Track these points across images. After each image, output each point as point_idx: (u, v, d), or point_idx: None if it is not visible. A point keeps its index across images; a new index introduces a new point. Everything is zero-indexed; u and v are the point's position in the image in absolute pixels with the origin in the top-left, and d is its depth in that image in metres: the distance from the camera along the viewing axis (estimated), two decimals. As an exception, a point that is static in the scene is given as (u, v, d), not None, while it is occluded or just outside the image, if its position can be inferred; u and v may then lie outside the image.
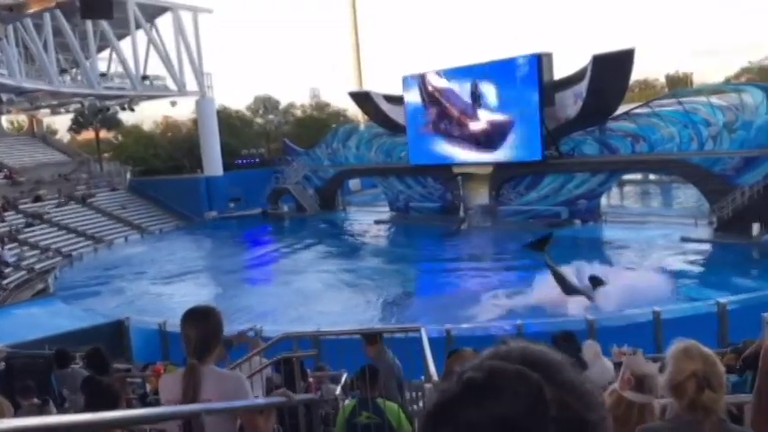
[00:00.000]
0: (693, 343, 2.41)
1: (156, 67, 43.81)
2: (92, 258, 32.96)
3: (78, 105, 44.43)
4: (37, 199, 37.79)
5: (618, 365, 4.86)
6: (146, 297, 24.22)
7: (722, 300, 13.91)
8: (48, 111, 49.05)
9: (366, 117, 44.23)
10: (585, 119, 29.47)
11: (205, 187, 45.02)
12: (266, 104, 64.12)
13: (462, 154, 34.24)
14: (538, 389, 0.70)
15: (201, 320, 2.73)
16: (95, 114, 47.93)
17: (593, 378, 3.33)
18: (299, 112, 65.74)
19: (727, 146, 26.16)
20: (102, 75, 40.65)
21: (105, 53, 43.08)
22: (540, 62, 30.34)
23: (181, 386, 2.65)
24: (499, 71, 31.93)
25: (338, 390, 6.83)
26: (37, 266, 29.83)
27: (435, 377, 4.73)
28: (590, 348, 6.72)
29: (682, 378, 2.29)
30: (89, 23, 36.49)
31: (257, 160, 50.58)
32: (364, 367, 5.36)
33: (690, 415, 2.28)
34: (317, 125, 57.30)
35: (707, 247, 24.92)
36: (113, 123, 58.25)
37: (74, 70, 41.77)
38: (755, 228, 23.76)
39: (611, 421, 0.77)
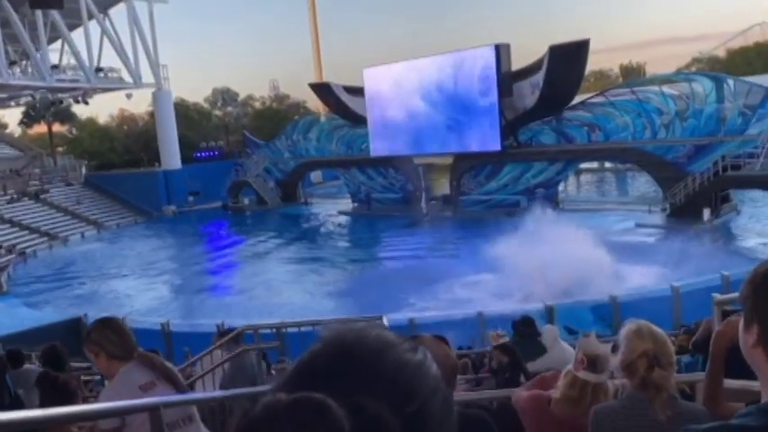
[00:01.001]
0: (645, 323, 2.49)
1: (110, 59, 42.76)
2: (47, 255, 32.09)
3: (29, 98, 43.07)
4: (-13, 196, 36.57)
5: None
6: (104, 294, 23.73)
7: (675, 283, 14.36)
8: (-4, 104, 47.40)
9: (327, 109, 44.01)
10: (543, 109, 29.93)
11: (163, 181, 44.19)
12: (225, 96, 63.26)
13: (423, 145, 34.38)
14: (318, 416, 0.57)
15: (123, 327, 3.04)
16: (48, 107, 46.55)
17: (554, 361, 3.42)
18: (258, 105, 65.06)
19: (679, 134, 26.93)
20: (54, 67, 39.47)
21: (57, 44, 41.74)
22: (498, 53, 30.63)
23: (145, 374, 2.87)
24: (459, 62, 32.12)
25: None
26: (-12, 265, 28.87)
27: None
28: (549, 333, 6.88)
29: (633, 357, 2.37)
30: (39, 14, 35.35)
31: (216, 153, 49.88)
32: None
33: (642, 393, 2.36)
34: (277, 117, 56.83)
35: (660, 232, 25.62)
36: (67, 117, 56.66)
37: (24, 62, 40.45)
38: (706, 213, 24.56)
39: (444, 394, 0.68)
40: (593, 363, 2.91)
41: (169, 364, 3.04)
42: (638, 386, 2.36)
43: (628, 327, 2.47)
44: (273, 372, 6.95)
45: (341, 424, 0.56)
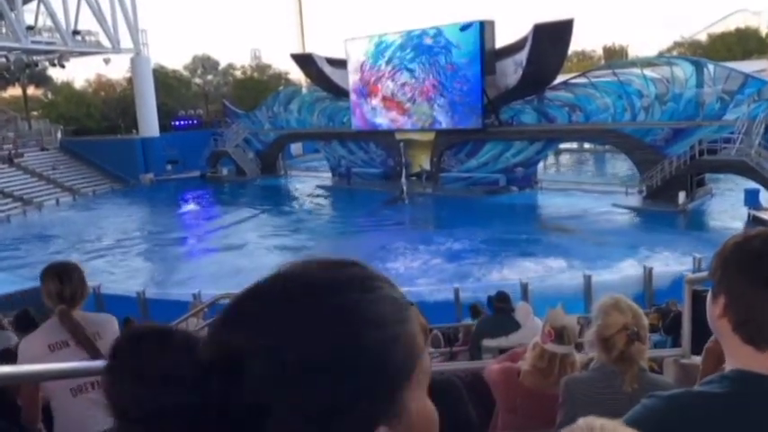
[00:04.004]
0: (622, 297, 2.50)
1: (88, 22, 41.68)
2: (21, 221, 31.58)
3: (3, 60, 41.92)
4: (-42, 158, 35.76)
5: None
6: (79, 260, 23.38)
7: (647, 264, 14.62)
8: (-32, 65, 46.06)
9: (308, 80, 43.53)
10: (525, 88, 29.92)
11: (141, 149, 43.51)
12: (205, 64, 62.15)
13: (404, 120, 34.27)
14: (158, 345, 0.57)
15: (69, 275, 2.87)
16: (22, 70, 45.36)
17: (526, 336, 3.48)
18: (239, 74, 64.05)
19: (659, 117, 27.16)
20: (30, 28, 38.39)
21: (32, 5, 40.52)
22: (482, 29, 30.46)
23: (60, 333, 2.75)
24: (442, 37, 31.90)
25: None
26: (-40, 229, 28.38)
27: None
28: (522, 309, 6.99)
29: (612, 331, 2.38)
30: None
31: (195, 122, 49.17)
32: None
33: (614, 365, 2.40)
34: (257, 87, 56.03)
35: (636, 214, 25.99)
36: (42, 80, 55.29)
37: (-3, 22, 39.27)
38: (681, 196, 24.92)
39: (398, 348, 0.60)
40: (560, 334, 2.97)
41: (98, 325, 2.84)
42: (614, 360, 2.39)
43: (604, 300, 2.47)
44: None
45: (182, 357, 0.56)
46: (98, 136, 47.22)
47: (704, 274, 5.87)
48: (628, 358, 2.37)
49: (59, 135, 46.28)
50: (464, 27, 30.97)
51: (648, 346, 2.52)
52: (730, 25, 59.93)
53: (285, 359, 0.55)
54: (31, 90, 55.09)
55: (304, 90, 43.78)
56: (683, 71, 26.90)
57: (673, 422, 1.20)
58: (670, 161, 25.52)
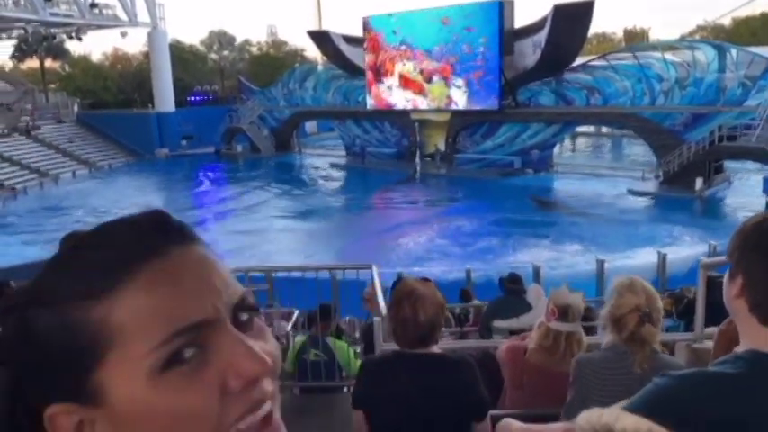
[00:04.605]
0: (637, 278, 2.50)
1: (105, -5, 41.63)
2: (37, 193, 31.92)
3: (21, 31, 42.05)
4: (-23, 129, 36.11)
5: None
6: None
7: (662, 250, 14.51)
8: (-13, 36, 46.28)
9: (324, 58, 43.30)
10: (543, 69, 29.57)
11: (156, 124, 43.67)
12: (221, 40, 62.07)
13: (420, 100, 34.05)
14: None
15: None
16: (40, 42, 45.58)
17: (537, 318, 3.49)
18: (255, 50, 63.92)
19: (678, 102, 26.78)
20: (48, 0, 38.43)
21: (50, -24, 40.53)
22: (501, 9, 30.06)
23: None
24: (460, 16, 31.53)
25: (289, 326, 6.93)
26: (-22, 199, 28.78)
27: (384, 312, 4.83)
28: (534, 291, 6.97)
29: (624, 312, 2.39)
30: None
31: (211, 97, 49.22)
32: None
33: (626, 346, 2.40)
34: (273, 64, 55.89)
35: (651, 199, 25.77)
36: (60, 53, 55.51)
37: (16, -7, 39.31)
38: (699, 182, 24.64)
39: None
40: (564, 312, 2.99)
41: None
42: (624, 340, 2.39)
43: (620, 281, 2.48)
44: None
45: None
46: (114, 110, 47.43)
47: (720, 258, 5.81)
48: (638, 339, 2.38)
49: (76, 108, 46.52)
50: (483, 6, 30.57)
51: (661, 329, 2.51)
52: (756, 9, 58.68)
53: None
54: (48, 63, 55.38)
55: (320, 67, 43.57)
56: (705, 55, 26.44)
57: (683, 400, 1.20)
58: (688, 146, 25.19)
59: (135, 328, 0.53)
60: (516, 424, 1.99)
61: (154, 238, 0.57)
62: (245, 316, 0.58)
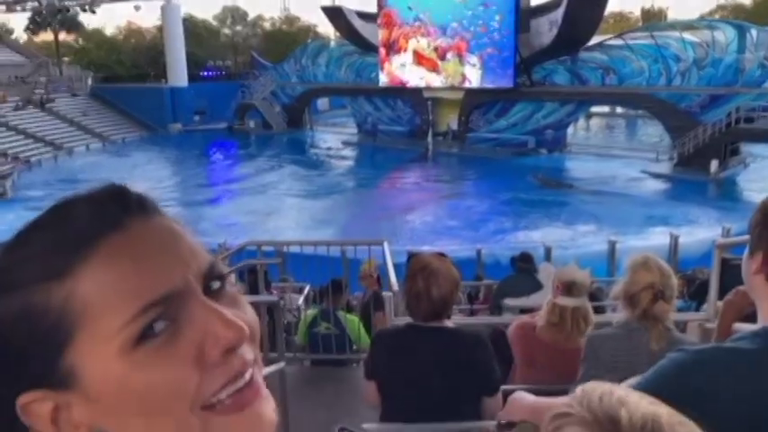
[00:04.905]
0: (652, 256, 2.51)
1: (118, -33, 41.48)
2: (52, 165, 32.13)
3: (36, 4, 42.03)
4: (-8, 101, 36.31)
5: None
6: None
7: (675, 232, 14.43)
8: (2, 8, 46.29)
9: (337, 34, 42.96)
10: (559, 48, 29.20)
11: (170, 98, 43.69)
12: (234, 15, 61.70)
13: (433, 78, 33.76)
14: None
15: None
16: (54, 14, 45.56)
17: (547, 297, 3.50)
18: (268, 26, 63.54)
19: (695, 82, 26.38)
20: (61, -28, 38.41)
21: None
22: (518, -15, 29.65)
23: None
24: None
25: (300, 300, 6.99)
26: (-6, 171, 29.03)
27: (396, 287, 4.86)
28: (545, 269, 6.97)
29: (637, 289, 2.40)
30: None
31: (223, 73, 49.11)
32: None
33: (639, 323, 2.41)
34: (286, 40, 55.58)
35: (665, 181, 25.56)
36: (73, 26, 55.47)
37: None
38: (714, 165, 24.37)
39: None
40: (569, 288, 3.03)
41: None
42: (638, 317, 2.40)
43: (634, 258, 2.50)
44: (274, 291, 7.09)
45: None
46: (127, 83, 47.47)
47: (735, 239, 5.78)
48: (651, 316, 2.39)
49: (90, 81, 46.59)
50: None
51: (674, 307, 2.51)
52: (778, -12, 57.36)
53: None
54: (62, 36, 55.38)
55: (332, 44, 43.23)
56: (725, 35, 25.98)
57: (697, 375, 1.19)
58: (704, 128, 24.88)
59: (102, 306, 0.51)
60: (529, 397, 2.00)
61: (112, 212, 0.54)
62: (216, 284, 0.56)
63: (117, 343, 0.50)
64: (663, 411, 0.83)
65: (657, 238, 15.67)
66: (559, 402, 1.84)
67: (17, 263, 0.53)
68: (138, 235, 0.54)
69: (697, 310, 6.30)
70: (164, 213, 0.58)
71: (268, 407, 0.56)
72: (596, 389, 0.83)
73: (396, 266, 5.65)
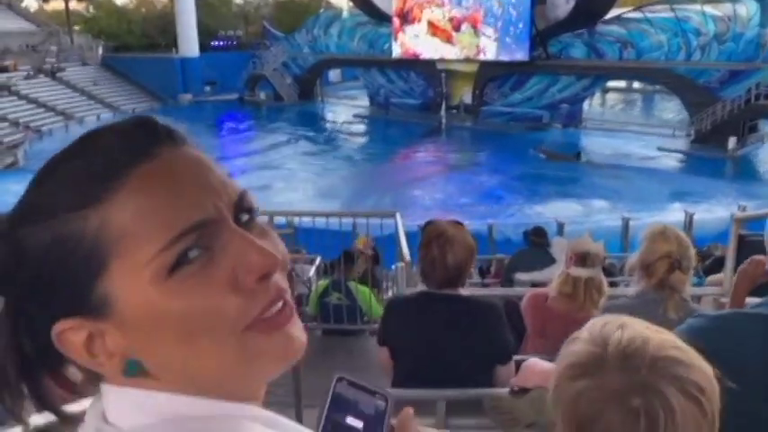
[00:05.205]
0: (670, 226, 2.48)
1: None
2: (63, 135, 32.22)
3: (46, -29, 41.78)
4: (3, 69, 36.29)
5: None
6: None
7: (690, 209, 14.28)
8: (13, -24, 46.12)
9: (350, 3, 42.41)
10: (576, 20, 28.68)
11: (180, 68, 43.49)
12: (246, -16, 61.03)
13: (448, 49, 33.34)
14: None
15: None
16: (64, -18, 45.21)
17: (558, 271, 3.47)
18: (280, -5, 62.81)
19: (715, 57, 25.89)
20: (71, -62, 38.04)
21: None
22: (535, -44, 29.08)
23: None
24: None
25: (312, 271, 6.98)
26: (5, 140, 29.15)
27: (408, 258, 4.83)
28: (558, 244, 6.91)
29: (654, 258, 2.37)
30: None
31: (234, 43, 48.74)
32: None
33: (656, 293, 2.38)
34: (298, 9, 54.93)
35: (682, 158, 25.27)
36: (84, -6, 55.16)
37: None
38: (732, 141, 24.04)
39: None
40: (583, 258, 3.00)
41: None
42: (654, 286, 2.38)
43: (652, 228, 2.47)
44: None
45: None
46: (138, 53, 47.26)
47: (754, 212, 5.70)
48: (668, 286, 2.37)
49: (100, 51, 46.45)
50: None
51: (691, 276, 2.48)
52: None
53: None
54: (72, 4, 55.04)
55: (345, 14, 42.66)
56: (747, 9, 25.39)
57: (719, 339, 1.20)
58: (723, 104, 24.49)
59: (136, 233, 0.51)
60: (543, 363, 1.98)
61: (142, 141, 0.54)
62: (246, 216, 0.57)
63: (152, 270, 0.51)
64: (659, 336, 0.90)
65: (672, 215, 15.50)
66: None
67: (49, 191, 0.53)
68: (169, 164, 0.54)
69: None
70: (192, 144, 0.58)
71: (300, 329, 0.59)
72: (607, 319, 1.01)
73: (408, 236, 5.62)
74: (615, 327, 0.97)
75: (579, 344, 0.99)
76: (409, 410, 0.76)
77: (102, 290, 0.52)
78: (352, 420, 0.66)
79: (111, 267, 0.52)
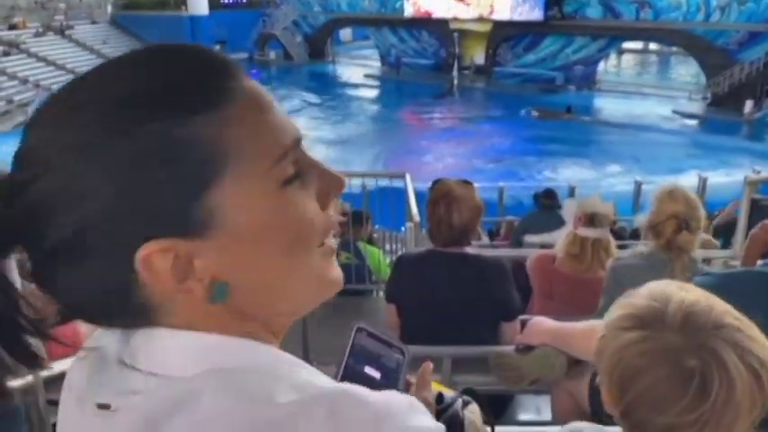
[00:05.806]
0: (679, 186, 2.46)
1: None
2: (73, 94, 32.19)
3: (53, -75, 41.11)
4: (12, 27, 36.06)
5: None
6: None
7: (704, 173, 14.14)
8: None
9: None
10: (593, -21, 28.00)
11: (189, 27, 42.97)
12: (257, -61, 59.80)
13: (461, 8, 32.67)
14: None
15: None
16: (72, -63, 44.45)
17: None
18: (291, -49, 61.55)
19: (735, 18, 25.23)
20: None
21: None
22: None
23: None
24: None
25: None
26: (16, 98, 29.15)
27: (417, 218, 4.84)
28: (569, 206, 6.87)
29: (662, 218, 2.35)
30: None
31: (244, 0, 48.02)
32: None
33: (664, 253, 2.37)
34: (309, -33, 53.89)
35: (697, 121, 24.91)
36: (91, -51, 54.28)
37: None
38: (749, 105, 23.61)
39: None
40: (591, 219, 2.99)
41: None
42: (662, 247, 2.37)
43: (662, 188, 2.45)
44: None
45: None
46: (148, 11, 46.70)
47: (767, 175, 5.64)
48: (675, 246, 2.36)
49: (110, 8, 45.96)
50: None
51: (699, 237, 2.47)
52: None
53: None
54: (82, -40, 54.30)
55: (357, -30, 41.84)
56: (770, -33, 24.63)
57: (727, 295, 1.19)
58: (741, 67, 23.98)
59: (253, 145, 0.51)
60: (549, 321, 1.99)
61: (225, 65, 0.54)
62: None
63: (272, 180, 0.52)
64: (723, 305, 0.89)
65: (686, 179, 15.36)
66: (580, 327, 1.82)
67: (158, 90, 0.49)
68: (254, 87, 0.54)
69: (723, 245, 6.21)
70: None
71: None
72: (670, 281, 1.02)
73: (417, 196, 5.62)
74: (678, 287, 0.96)
75: (638, 298, 0.98)
76: (429, 365, 0.78)
77: (210, 203, 0.48)
78: (369, 370, 0.67)
79: (224, 177, 0.49)
